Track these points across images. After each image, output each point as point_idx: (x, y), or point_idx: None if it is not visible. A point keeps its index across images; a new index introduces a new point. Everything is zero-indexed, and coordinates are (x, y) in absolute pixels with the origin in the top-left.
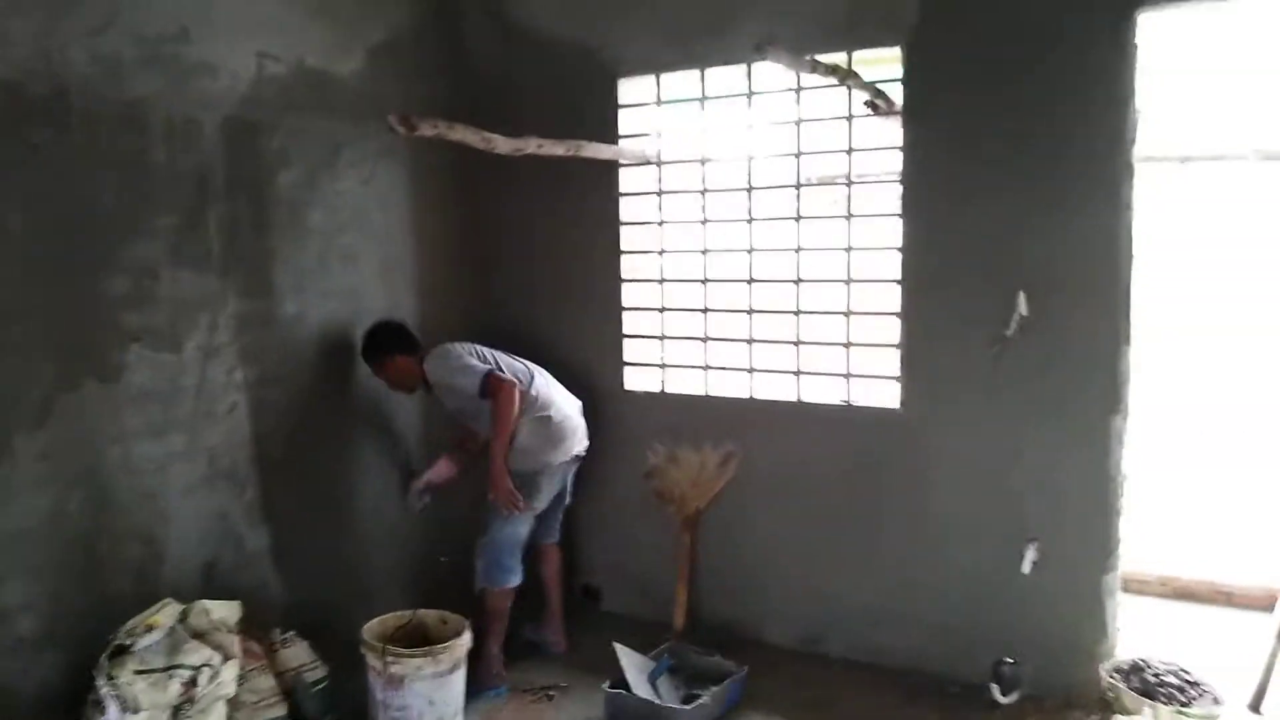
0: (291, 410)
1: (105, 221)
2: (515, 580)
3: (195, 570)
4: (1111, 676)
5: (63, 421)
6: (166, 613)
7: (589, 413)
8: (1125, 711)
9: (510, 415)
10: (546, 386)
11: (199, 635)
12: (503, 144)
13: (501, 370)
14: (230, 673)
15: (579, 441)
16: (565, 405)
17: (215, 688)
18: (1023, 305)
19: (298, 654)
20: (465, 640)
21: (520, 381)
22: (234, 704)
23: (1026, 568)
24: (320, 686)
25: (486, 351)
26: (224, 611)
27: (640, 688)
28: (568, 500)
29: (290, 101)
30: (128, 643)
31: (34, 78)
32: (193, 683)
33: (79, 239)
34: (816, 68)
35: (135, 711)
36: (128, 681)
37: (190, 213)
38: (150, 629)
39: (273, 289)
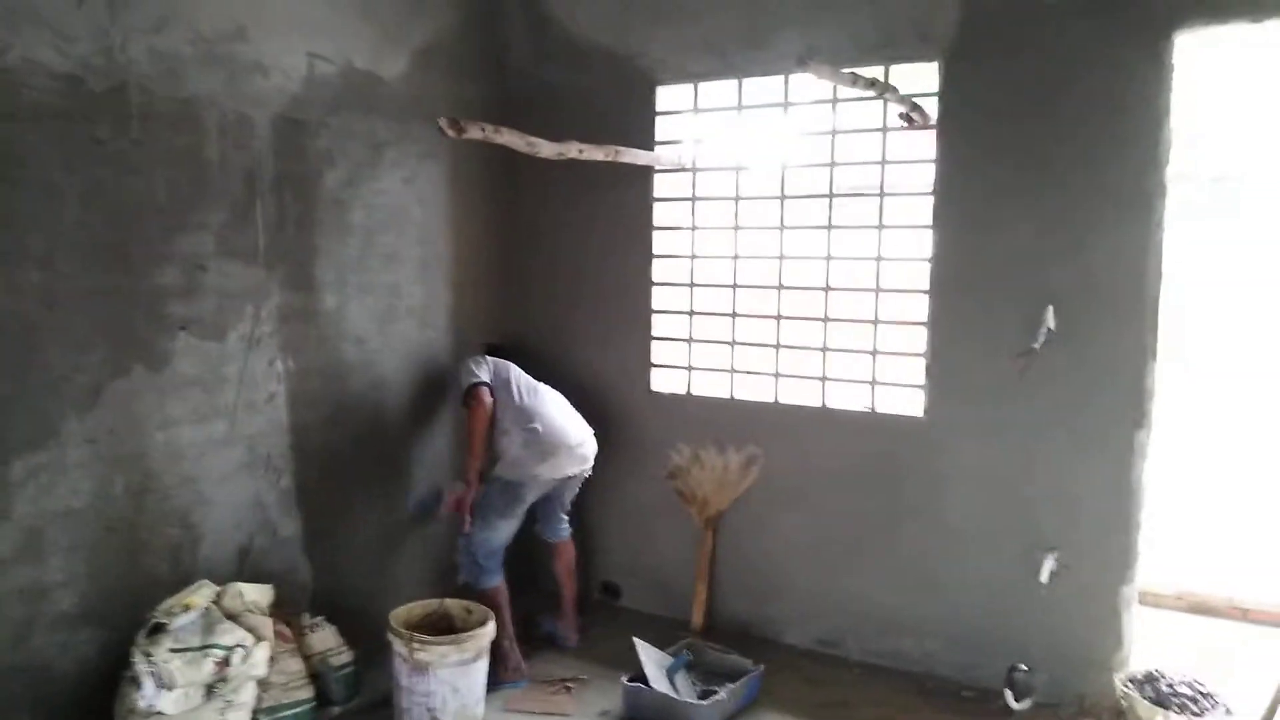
0: (327, 402)
1: (158, 214)
2: (494, 581)
3: (230, 554)
4: (1126, 685)
5: (111, 406)
6: (202, 594)
7: (614, 413)
8: None
9: (473, 428)
10: (541, 404)
11: (232, 616)
12: (546, 148)
13: (492, 385)
14: (262, 654)
15: (573, 462)
16: (557, 421)
17: (247, 668)
18: (1050, 319)
19: (326, 638)
20: (489, 630)
21: (505, 396)
22: (264, 684)
23: (1044, 577)
24: (347, 670)
25: (512, 372)
26: (257, 594)
27: (658, 682)
28: (565, 506)
29: (338, 102)
30: (164, 621)
31: (95, 73)
32: (226, 662)
33: (133, 230)
34: (856, 81)
35: (170, 688)
36: (164, 659)
37: (239, 207)
38: (186, 609)
39: (314, 283)
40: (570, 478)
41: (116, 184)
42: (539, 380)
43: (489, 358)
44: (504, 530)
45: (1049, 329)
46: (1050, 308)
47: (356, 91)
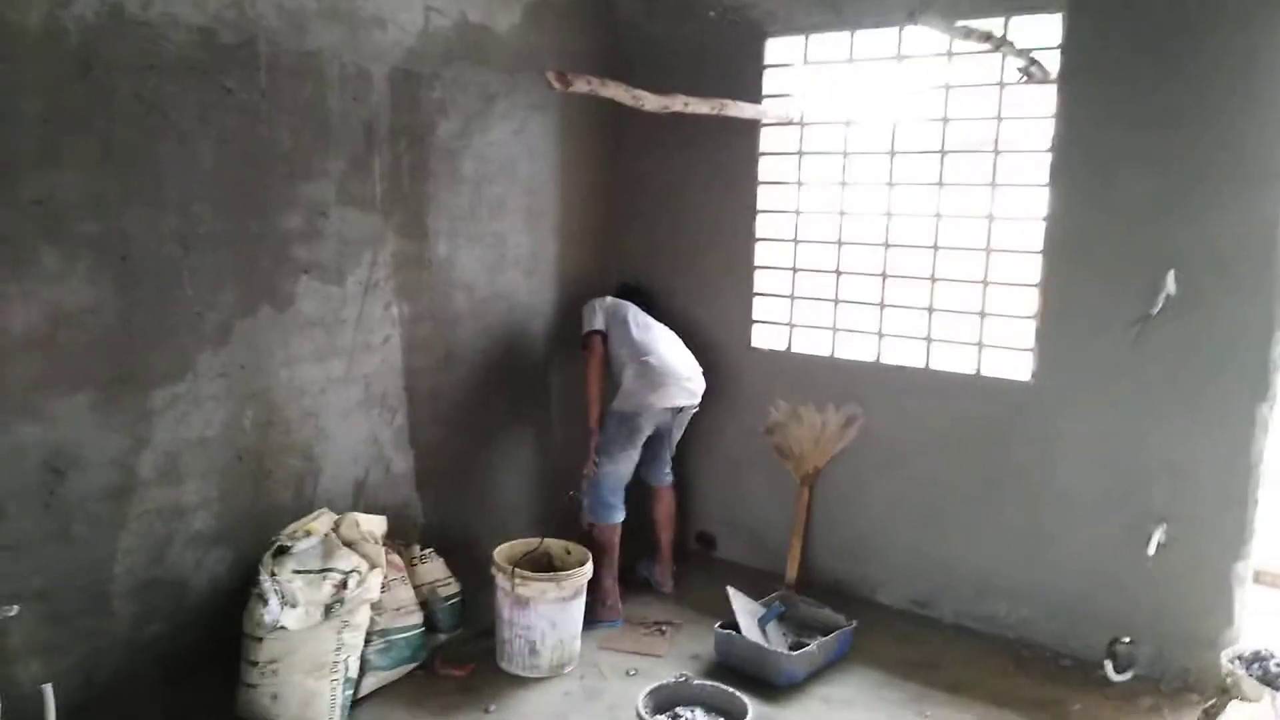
0: (438, 345)
1: (284, 162)
2: (618, 517)
3: (347, 486)
4: (1232, 663)
5: (240, 343)
6: (322, 521)
7: (714, 367)
8: (1244, 698)
9: (588, 375)
10: (652, 338)
11: (349, 544)
12: (651, 101)
13: (607, 330)
14: (376, 579)
15: (683, 394)
16: (668, 356)
17: (362, 591)
18: (1171, 284)
19: (434, 570)
20: (587, 569)
21: (622, 332)
22: (377, 608)
23: (1152, 549)
24: (453, 601)
25: (629, 311)
26: (372, 524)
27: (750, 631)
28: (671, 449)
29: (451, 54)
30: (288, 544)
31: (226, 26)
32: (343, 585)
33: (260, 177)
34: (970, 34)
35: (294, 605)
36: (287, 579)
37: (357, 157)
38: (308, 534)
39: (427, 231)
40: (680, 410)
41: (245, 133)
42: (654, 319)
43: (609, 298)
44: (625, 463)
45: (1169, 294)
46: (1171, 272)
47: (469, 44)
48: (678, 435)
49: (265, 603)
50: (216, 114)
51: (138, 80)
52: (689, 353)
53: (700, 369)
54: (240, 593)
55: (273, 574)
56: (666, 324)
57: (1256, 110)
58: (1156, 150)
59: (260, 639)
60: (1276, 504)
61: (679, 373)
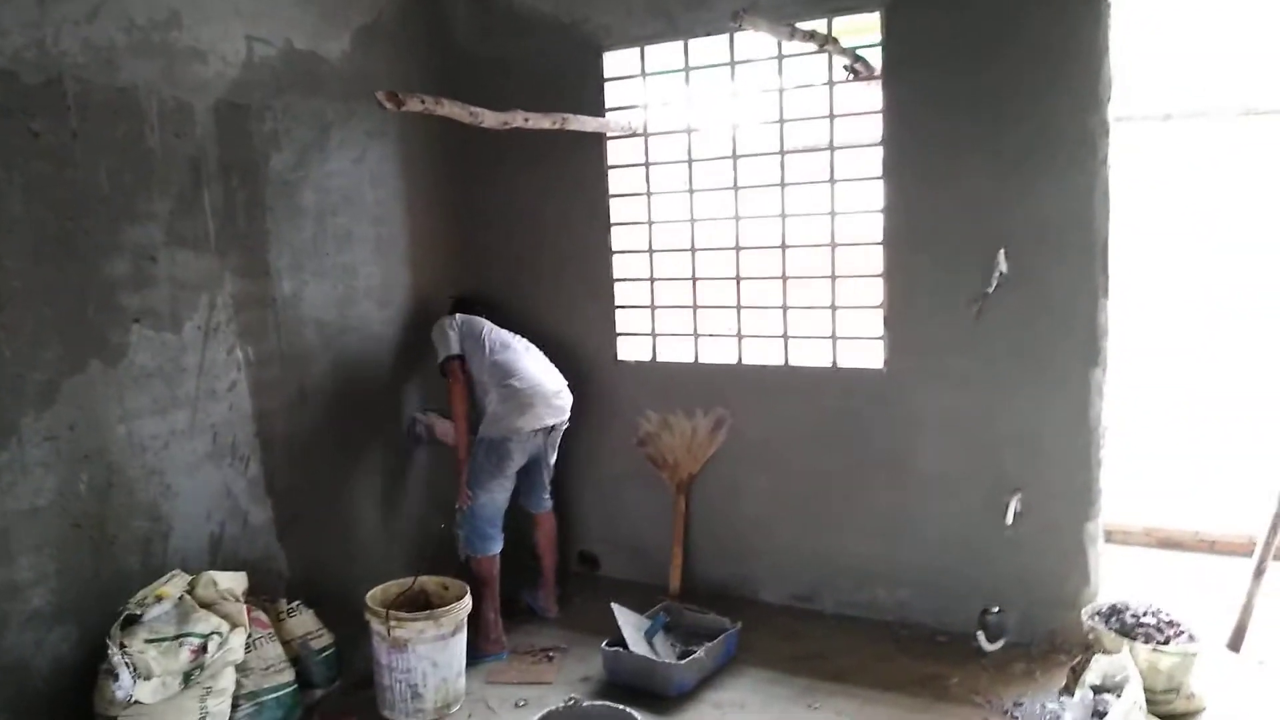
0: (290, 387)
1: (103, 205)
2: (496, 548)
3: (202, 544)
4: (1092, 619)
5: (69, 402)
6: (174, 584)
7: (582, 384)
8: (1106, 651)
9: (452, 403)
10: (515, 358)
11: (207, 605)
12: (490, 118)
13: (464, 351)
14: (238, 640)
15: (551, 412)
16: (533, 375)
17: (224, 654)
18: (1003, 263)
19: (304, 622)
20: (465, 604)
21: (480, 355)
22: (243, 670)
23: (1010, 519)
24: (327, 653)
25: (484, 329)
26: (230, 582)
27: (637, 645)
28: (549, 471)
29: (280, 84)
30: (138, 613)
31: (28, 66)
32: (202, 649)
33: (78, 223)
34: (794, 34)
35: (147, 678)
36: (139, 650)
37: (185, 195)
38: (159, 599)
39: (269, 269)
40: (551, 429)
41: (58, 177)
42: (510, 332)
43: (459, 316)
44: (499, 493)
45: (1001, 273)
46: (1001, 251)
47: (299, 72)
48: (553, 457)
49: (116, 678)
50: (23, 159)
51: None
52: (552, 366)
53: (565, 381)
54: (89, 671)
55: (122, 646)
56: (530, 341)
57: (1071, 92)
58: (980, 136)
59: (114, 718)
60: (1123, 465)
61: (545, 391)
